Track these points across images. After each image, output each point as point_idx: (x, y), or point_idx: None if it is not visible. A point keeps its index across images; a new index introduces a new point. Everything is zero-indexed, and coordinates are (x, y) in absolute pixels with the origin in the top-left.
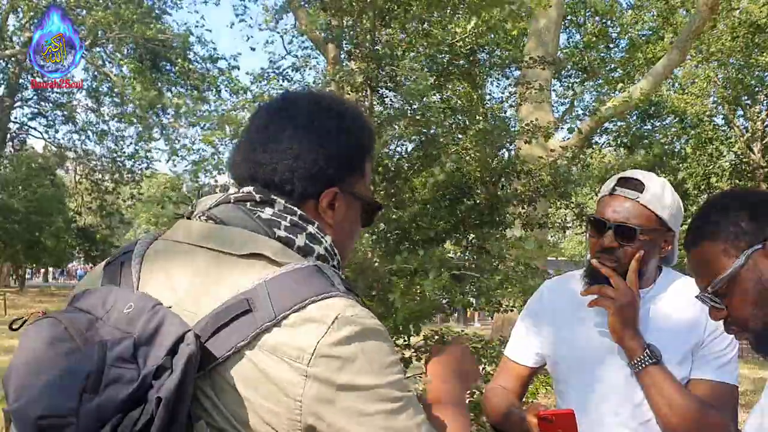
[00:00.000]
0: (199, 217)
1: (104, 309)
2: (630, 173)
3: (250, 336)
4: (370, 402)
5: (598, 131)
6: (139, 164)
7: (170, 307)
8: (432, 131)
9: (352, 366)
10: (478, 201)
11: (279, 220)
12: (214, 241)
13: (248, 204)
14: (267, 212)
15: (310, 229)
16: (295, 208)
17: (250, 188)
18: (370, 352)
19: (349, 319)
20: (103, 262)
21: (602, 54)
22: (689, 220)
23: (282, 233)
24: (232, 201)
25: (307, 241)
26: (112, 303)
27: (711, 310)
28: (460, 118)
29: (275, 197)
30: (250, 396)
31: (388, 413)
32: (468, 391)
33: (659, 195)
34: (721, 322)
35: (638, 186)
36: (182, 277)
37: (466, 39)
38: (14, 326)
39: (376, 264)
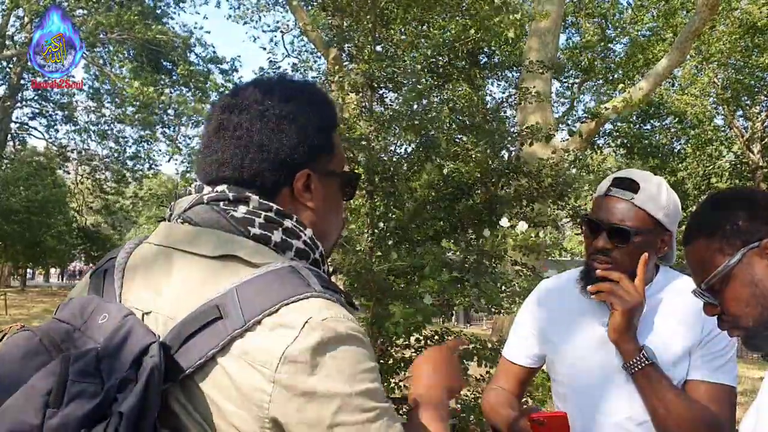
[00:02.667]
0: (176, 219)
1: (82, 319)
2: (625, 173)
3: (220, 343)
4: (339, 411)
5: (599, 132)
6: (141, 164)
7: (149, 313)
8: (432, 132)
9: (320, 372)
10: (477, 201)
11: (253, 217)
12: (190, 244)
13: (222, 203)
14: (240, 210)
15: (287, 223)
16: (271, 204)
17: (224, 187)
18: (340, 358)
19: (320, 324)
20: (90, 271)
21: (602, 54)
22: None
23: (257, 231)
24: (205, 201)
25: (284, 237)
26: (89, 313)
27: (705, 306)
28: (460, 118)
29: (249, 194)
30: (221, 403)
31: (359, 424)
32: (451, 393)
33: (654, 195)
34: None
35: (633, 186)
36: (162, 282)
37: (466, 40)
38: None
39: (374, 266)
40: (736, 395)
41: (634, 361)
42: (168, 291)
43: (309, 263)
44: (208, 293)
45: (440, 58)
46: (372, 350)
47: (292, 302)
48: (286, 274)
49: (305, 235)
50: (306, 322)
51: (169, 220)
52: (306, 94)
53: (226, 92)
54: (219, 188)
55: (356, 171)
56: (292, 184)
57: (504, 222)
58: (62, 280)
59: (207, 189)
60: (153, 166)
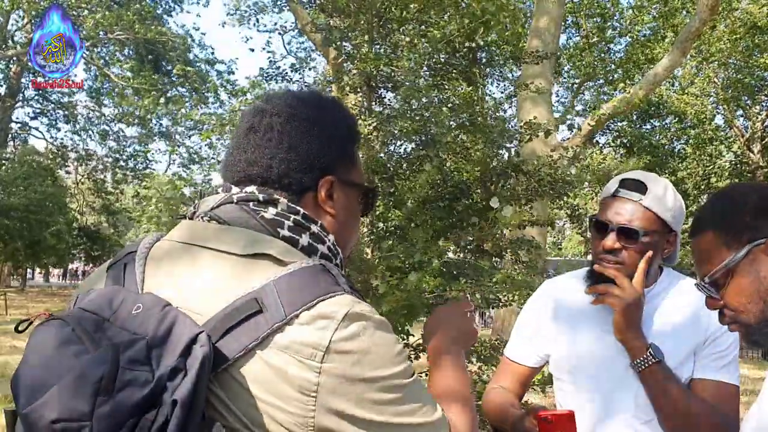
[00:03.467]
0: (202, 217)
1: (111, 310)
2: (632, 174)
3: (261, 336)
4: (383, 392)
5: (599, 131)
6: (140, 164)
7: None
8: (432, 130)
9: (365, 359)
10: (476, 200)
11: (283, 219)
12: (218, 242)
13: (251, 204)
14: (270, 212)
15: (313, 228)
16: (298, 208)
17: (253, 188)
18: (380, 344)
19: (358, 314)
20: (106, 264)
21: (602, 54)
22: (689, 220)
23: (286, 233)
24: (235, 201)
25: (311, 241)
26: (118, 304)
27: (707, 299)
28: (460, 117)
29: (278, 197)
30: (262, 396)
31: (400, 400)
32: (466, 342)
33: (661, 197)
34: (720, 325)
35: (640, 188)
36: (187, 278)
37: (465, 36)
38: (20, 328)
39: (367, 255)
40: (739, 394)
41: (642, 359)
42: (194, 287)
43: None
44: (240, 289)
45: (439, 55)
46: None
47: (328, 298)
48: (319, 271)
49: (329, 240)
50: (345, 314)
51: (191, 219)
52: (334, 104)
53: (258, 98)
54: (248, 189)
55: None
56: (316, 188)
57: (494, 202)
58: (65, 279)
59: (235, 189)
60: (149, 166)
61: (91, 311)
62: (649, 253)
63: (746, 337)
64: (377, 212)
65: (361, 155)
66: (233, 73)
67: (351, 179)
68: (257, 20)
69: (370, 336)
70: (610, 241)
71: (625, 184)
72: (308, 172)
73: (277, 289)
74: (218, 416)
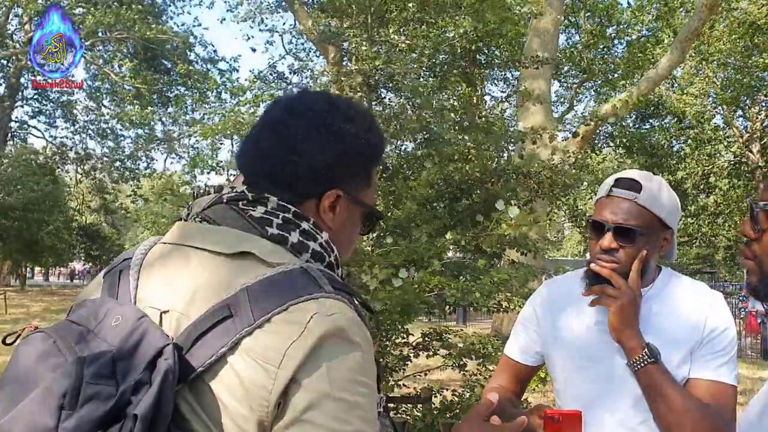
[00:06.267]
0: (194, 218)
1: (96, 321)
2: (626, 173)
3: (230, 342)
4: (311, 408)
5: (598, 131)
6: (137, 164)
7: (167, 312)
8: (434, 128)
9: (314, 369)
10: (475, 200)
11: (271, 217)
12: (206, 241)
13: (240, 203)
14: (259, 210)
15: (304, 225)
16: (288, 206)
17: (243, 187)
18: (336, 359)
19: (325, 319)
20: (103, 271)
21: (602, 54)
22: (688, 219)
23: (274, 231)
24: (224, 201)
25: (301, 238)
26: (103, 314)
27: (745, 224)
28: (460, 118)
29: (268, 195)
30: (227, 401)
31: (355, 407)
32: None
33: (656, 194)
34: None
35: (635, 186)
36: (179, 281)
37: (465, 38)
38: (8, 341)
39: (366, 247)
40: (738, 394)
41: (637, 358)
42: (183, 288)
43: (324, 266)
44: (223, 291)
45: (439, 56)
46: (373, 364)
47: (302, 301)
48: (297, 275)
49: (321, 237)
50: (311, 317)
51: (186, 220)
52: (363, 119)
53: (292, 92)
54: (239, 189)
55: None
56: (320, 198)
57: (500, 205)
58: (70, 279)
59: (226, 189)
60: (149, 165)
61: (77, 322)
62: (644, 252)
63: (757, 285)
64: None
65: None
66: (237, 70)
67: (360, 198)
68: (262, 20)
69: (330, 345)
70: (607, 240)
71: (619, 183)
72: (317, 180)
73: (249, 294)
74: (186, 424)
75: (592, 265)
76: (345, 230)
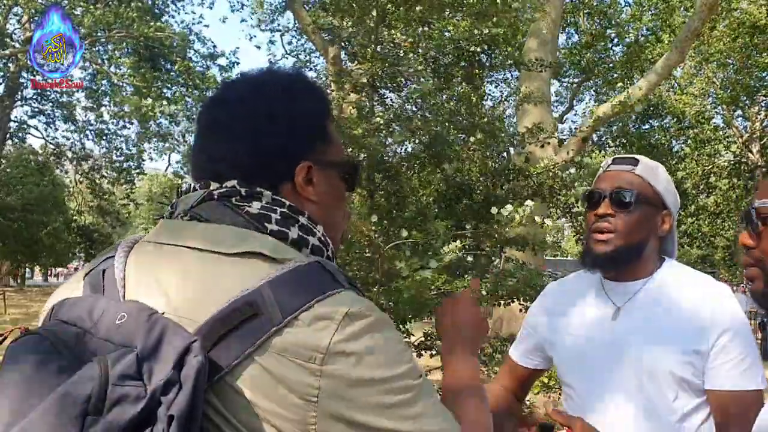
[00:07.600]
0: (182, 216)
1: (92, 320)
2: (623, 155)
3: (258, 341)
4: (388, 394)
5: (598, 131)
6: (135, 164)
7: (162, 314)
8: (437, 129)
9: (367, 360)
10: (476, 200)
11: (269, 213)
12: (202, 241)
13: (233, 199)
14: (255, 206)
15: (302, 220)
16: (284, 200)
17: (234, 182)
18: (382, 344)
19: (358, 314)
20: (82, 271)
21: (601, 54)
22: (687, 219)
23: (274, 227)
24: (216, 197)
25: (301, 233)
26: (100, 313)
27: (744, 231)
28: (463, 119)
29: (261, 189)
30: (261, 403)
31: (406, 402)
32: (475, 344)
33: (653, 168)
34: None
35: (632, 161)
36: (173, 282)
37: (471, 41)
38: None
39: (378, 240)
40: (763, 398)
41: None
42: (183, 291)
43: None
44: (231, 292)
45: (443, 58)
46: (399, 332)
47: (326, 297)
48: (315, 269)
49: (318, 231)
50: (346, 313)
51: (170, 218)
52: (296, 84)
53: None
54: (228, 184)
55: (356, 160)
56: (293, 179)
57: (505, 210)
58: (61, 279)
59: (215, 185)
60: (140, 165)
61: (70, 323)
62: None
63: (764, 291)
64: (383, 211)
65: (362, 154)
66: (238, 63)
67: (329, 159)
68: (273, 20)
69: (371, 335)
70: (604, 207)
71: (616, 160)
72: (281, 160)
73: (272, 291)
74: (214, 427)
75: (596, 235)
76: (330, 197)
